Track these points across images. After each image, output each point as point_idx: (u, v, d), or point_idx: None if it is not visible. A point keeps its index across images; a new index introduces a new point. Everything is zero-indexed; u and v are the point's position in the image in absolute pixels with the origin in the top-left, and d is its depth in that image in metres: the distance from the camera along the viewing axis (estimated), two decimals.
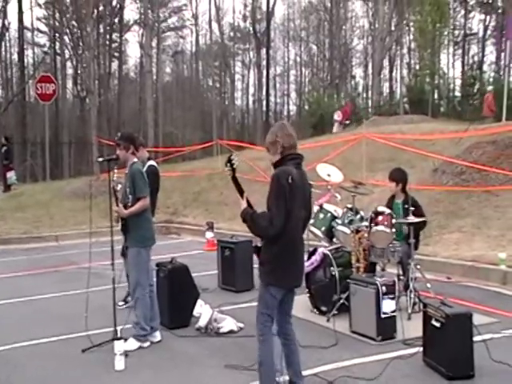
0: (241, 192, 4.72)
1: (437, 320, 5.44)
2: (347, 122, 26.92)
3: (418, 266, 7.45)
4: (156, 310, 6.78)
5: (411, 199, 7.71)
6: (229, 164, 4.69)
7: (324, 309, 7.40)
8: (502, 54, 36.44)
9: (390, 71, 49.10)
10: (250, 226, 4.63)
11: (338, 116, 26.93)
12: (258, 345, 4.70)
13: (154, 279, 7.10)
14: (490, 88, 22.06)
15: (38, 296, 9.18)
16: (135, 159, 6.65)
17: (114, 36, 49.23)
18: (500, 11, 39.87)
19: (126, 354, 5.98)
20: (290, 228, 4.57)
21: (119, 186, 6.72)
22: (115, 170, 6.58)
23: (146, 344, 6.51)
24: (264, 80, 47.09)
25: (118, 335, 6.30)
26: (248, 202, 4.72)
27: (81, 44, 40.34)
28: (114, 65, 50.73)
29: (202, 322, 6.94)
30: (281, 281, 4.66)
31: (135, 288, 6.51)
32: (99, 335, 6.64)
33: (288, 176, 4.52)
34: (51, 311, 8.28)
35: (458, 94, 30.89)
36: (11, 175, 22.52)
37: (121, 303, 7.88)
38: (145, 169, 6.99)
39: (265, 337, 4.67)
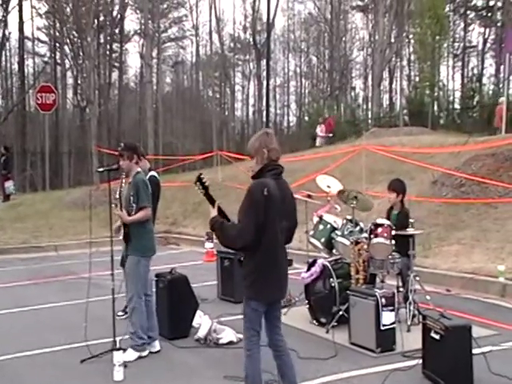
0: (212, 203, 4.69)
1: (436, 332, 5.44)
2: (330, 135, 26.79)
3: (418, 278, 7.45)
4: (154, 320, 6.77)
5: (404, 212, 7.77)
6: (199, 183, 4.67)
7: (323, 320, 7.39)
8: (502, 67, 36.58)
9: (390, 83, 49.24)
10: (219, 236, 4.60)
11: (320, 130, 26.85)
12: (244, 359, 4.68)
13: (154, 290, 7.11)
14: (501, 99, 21.86)
15: (37, 306, 9.16)
16: (139, 169, 6.69)
17: (115, 46, 49.39)
18: (499, 24, 40.06)
19: (125, 364, 5.97)
20: (267, 241, 4.53)
21: (118, 193, 6.78)
22: (123, 180, 6.65)
23: (145, 353, 6.50)
24: (264, 91, 47.11)
25: (117, 346, 6.29)
26: (222, 211, 4.69)
27: (81, 54, 40.36)
28: (115, 75, 50.85)
29: (202, 333, 6.94)
30: (260, 294, 4.61)
31: (132, 297, 6.51)
32: (98, 345, 6.63)
33: (264, 188, 4.47)
34: (50, 321, 8.27)
35: (457, 106, 30.99)
36: (9, 185, 22.51)
37: (120, 313, 7.88)
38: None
39: (251, 351, 4.65)
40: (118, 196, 6.72)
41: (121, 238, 6.64)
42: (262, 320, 4.71)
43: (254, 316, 4.64)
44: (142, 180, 6.57)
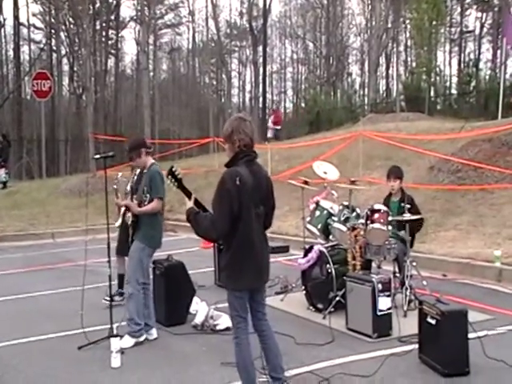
0: (188, 195, 4.69)
1: (432, 317, 5.45)
2: (278, 127, 26.27)
3: (414, 264, 7.46)
4: (152, 308, 6.77)
5: (408, 198, 7.74)
6: (170, 176, 4.65)
7: (320, 306, 7.41)
8: (498, 52, 36.48)
9: (387, 69, 49.20)
10: (194, 227, 4.60)
11: (271, 122, 26.46)
12: (234, 347, 4.68)
13: (151, 276, 7.11)
14: None
15: (34, 293, 9.16)
16: (152, 160, 6.71)
17: (111, 33, 49.21)
18: (496, 9, 39.93)
19: (122, 351, 5.98)
20: (242, 230, 4.50)
21: (119, 174, 6.80)
22: (136, 172, 6.76)
23: (142, 338, 6.50)
24: (261, 77, 47.07)
25: (114, 332, 6.31)
26: (199, 203, 4.68)
27: (77, 41, 40.30)
28: (111, 62, 50.81)
29: (199, 320, 6.95)
30: (239, 283, 4.60)
31: (129, 282, 6.51)
32: (95, 332, 6.63)
33: (236, 178, 4.45)
34: (47, 308, 8.27)
35: (454, 91, 30.87)
36: (1, 173, 22.44)
37: (107, 298, 7.87)
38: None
39: (239, 339, 4.65)
40: (129, 188, 6.81)
41: (116, 225, 6.66)
42: (247, 306, 4.71)
43: (238, 303, 4.64)
44: (157, 172, 6.56)
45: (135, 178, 6.97)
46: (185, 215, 4.65)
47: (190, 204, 4.65)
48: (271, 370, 4.81)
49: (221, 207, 4.44)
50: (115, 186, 7.05)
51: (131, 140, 7.07)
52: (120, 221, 7.46)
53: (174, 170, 4.66)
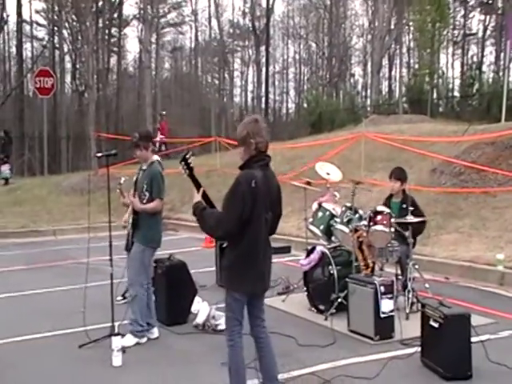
0: (197, 187, 4.66)
1: (435, 320, 5.44)
2: (162, 136, 25.10)
3: (417, 266, 7.46)
4: (153, 307, 6.75)
5: (411, 199, 7.71)
6: (183, 163, 4.64)
7: (322, 307, 7.40)
8: (502, 55, 36.47)
9: (390, 70, 49.15)
10: (199, 221, 4.57)
11: (159, 135, 25.57)
12: (227, 349, 4.64)
13: (152, 275, 7.09)
14: None
15: (35, 291, 9.16)
16: (155, 158, 6.63)
17: (113, 31, 49.13)
18: (500, 12, 39.90)
19: (123, 350, 5.97)
20: (251, 233, 4.44)
21: (122, 180, 6.74)
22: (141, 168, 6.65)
23: (144, 340, 6.50)
24: (263, 77, 47.04)
25: (116, 331, 6.29)
26: (206, 196, 4.64)
27: (80, 38, 40.29)
28: (113, 60, 50.68)
29: (200, 319, 6.93)
30: (241, 286, 4.55)
31: (132, 284, 6.50)
32: (97, 331, 6.62)
33: (251, 180, 4.38)
34: (48, 306, 8.26)
35: (456, 94, 30.83)
36: (5, 169, 22.44)
37: (119, 298, 7.87)
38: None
39: (234, 342, 4.61)
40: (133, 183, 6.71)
41: (129, 222, 6.62)
42: (244, 310, 4.67)
43: (236, 306, 4.59)
44: (158, 171, 6.50)
45: (139, 173, 6.81)
46: (192, 208, 4.61)
47: (197, 197, 4.60)
48: (265, 378, 4.76)
49: (231, 208, 4.38)
50: (118, 190, 6.89)
51: (145, 129, 6.96)
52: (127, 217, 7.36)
53: (187, 156, 4.64)
